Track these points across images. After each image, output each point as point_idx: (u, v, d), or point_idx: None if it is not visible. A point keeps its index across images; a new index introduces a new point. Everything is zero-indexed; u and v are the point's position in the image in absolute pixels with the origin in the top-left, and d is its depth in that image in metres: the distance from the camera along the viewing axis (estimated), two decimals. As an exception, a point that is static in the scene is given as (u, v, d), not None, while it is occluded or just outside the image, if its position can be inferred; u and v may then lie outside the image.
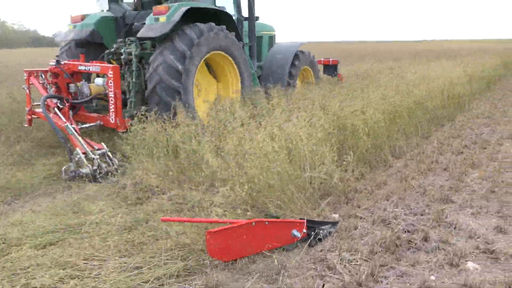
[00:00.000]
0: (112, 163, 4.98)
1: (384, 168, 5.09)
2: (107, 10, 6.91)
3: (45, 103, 5.42)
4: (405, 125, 6.06)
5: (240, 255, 2.96)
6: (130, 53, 5.87)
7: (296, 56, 8.01)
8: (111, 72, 5.48)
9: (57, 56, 6.58)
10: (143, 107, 5.47)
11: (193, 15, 5.81)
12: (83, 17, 6.63)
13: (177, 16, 5.50)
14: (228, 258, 2.94)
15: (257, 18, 7.36)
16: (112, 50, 6.23)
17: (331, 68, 10.26)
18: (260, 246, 3.01)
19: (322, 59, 10.33)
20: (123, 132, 5.36)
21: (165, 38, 5.62)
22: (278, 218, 3.35)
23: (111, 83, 5.49)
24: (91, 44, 6.61)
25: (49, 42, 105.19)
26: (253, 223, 2.96)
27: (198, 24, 5.83)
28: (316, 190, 3.92)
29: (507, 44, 44.53)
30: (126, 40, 6.11)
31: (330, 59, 10.34)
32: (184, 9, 5.59)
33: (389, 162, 5.22)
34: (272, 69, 7.63)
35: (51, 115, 5.33)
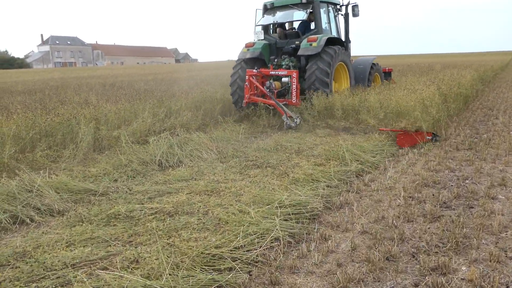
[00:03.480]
0: (299, 121, 8.44)
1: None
2: (262, 39, 10.31)
3: (268, 91, 9.10)
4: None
5: (407, 146, 6.70)
6: (288, 65, 9.73)
7: (372, 66, 11.45)
8: (294, 74, 9.14)
9: (233, 68, 10.28)
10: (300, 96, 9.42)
11: (328, 41, 9.45)
12: (253, 44, 10.18)
13: (322, 42, 9.15)
14: (403, 146, 6.71)
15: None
16: (275, 62, 9.90)
17: (387, 75, 13.55)
18: (415, 141, 6.79)
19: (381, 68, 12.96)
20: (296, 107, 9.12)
21: (316, 55, 9.14)
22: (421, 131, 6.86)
23: (294, 80, 9.13)
24: (257, 59, 10.11)
25: (19, 64, 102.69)
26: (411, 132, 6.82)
27: (332, 46, 9.45)
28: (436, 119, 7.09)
29: (478, 57, 44.69)
30: (282, 57, 9.97)
31: (387, 68, 13.74)
32: (325, 38, 9.30)
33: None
34: (356, 75, 10.86)
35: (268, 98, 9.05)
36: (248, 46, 10.12)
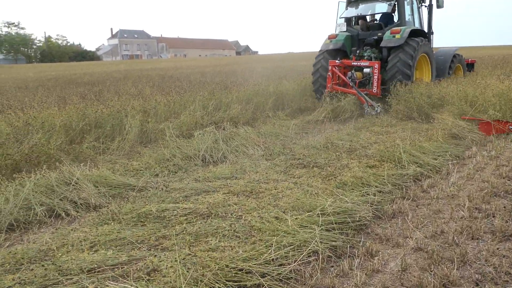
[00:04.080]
0: (380, 110, 8.75)
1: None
2: (344, 31, 10.57)
3: (350, 81, 9.44)
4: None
5: (490, 134, 6.72)
6: (370, 56, 9.92)
7: (454, 57, 11.35)
8: (376, 65, 9.31)
9: (316, 58, 10.54)
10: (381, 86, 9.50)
11: (411, 33, 9.41)
12: (336, 36, 10.39)
13: (406, 34, 9.21)
14: (487, 134, 6.73)
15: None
16: (357, 54, 10.15)
17: (469, 66, 13.01)
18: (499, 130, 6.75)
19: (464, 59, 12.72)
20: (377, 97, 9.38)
21: (398, 46, 9.21)
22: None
23: (375, 71, 9.29)
24: (339, 51, 10.32)
25: (90, 56, 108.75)
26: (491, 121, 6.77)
27: (415, 38, 9.45)
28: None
29: None
30: (364, 48, 10.18)
31: (469, 59, 13.28)
32: (408, 30, 9.32)
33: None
34: (436, 66, 10.82)
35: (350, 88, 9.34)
36: (331, 37, 10.43)
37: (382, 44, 9.49)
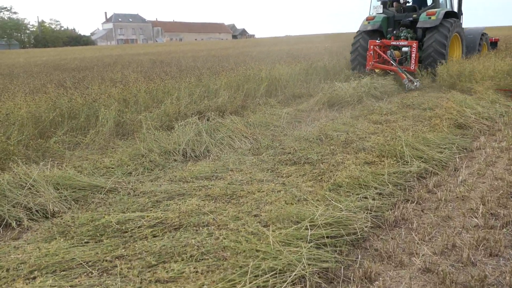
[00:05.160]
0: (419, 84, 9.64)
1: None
2: (381, 13, 11.33)
3: (391, 59, 10.33)
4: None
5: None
6: (406, 37, 10.80)
7: (482, 36, 12.32)
8: (414, 45, 10.18)
9: (354, 38, 11.42)
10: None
11: (444, 15, 10.23)
12: (373, 18, 11.23)
13: (441, 16, 10.06)
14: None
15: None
16: (393, 34, 11.02)
17: (493, 44, 14.08)
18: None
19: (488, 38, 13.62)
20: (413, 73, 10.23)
21: (434, 27, 10.08)
22: None
23: (413, 49, 10.17)
24: (376, 31, 11.17)
25: (85, 41, 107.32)
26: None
27: (449, 19, 10.27)
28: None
29: None
30: (400, 29, 11.06)
31: (493, 38, 14.20)
32: (443, 12, 10.22)
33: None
34: (467, 44, 11.72)
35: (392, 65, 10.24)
36: (369, 19, 11.36)
37: (419, 25, 10.36)
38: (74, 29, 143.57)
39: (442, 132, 5.45)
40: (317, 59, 13.09)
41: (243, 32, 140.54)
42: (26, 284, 2.36)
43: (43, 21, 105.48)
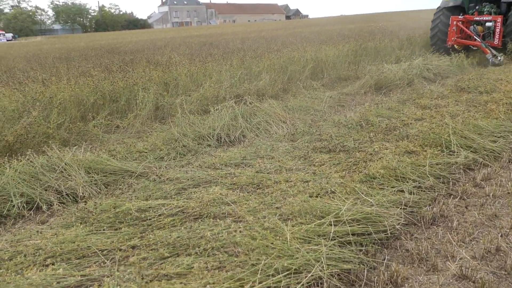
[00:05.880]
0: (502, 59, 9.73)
1: None
2: None
3: (475, 34, 10.28)
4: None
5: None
6: (489, 12, 10.61)
7: None
8: (499, 19, 10.09)
9: (435, 14, 11.44)
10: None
11: None
12: None
13: None
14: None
15: None
16: (476, 9, 10.82)
17: None
18: None
19: None
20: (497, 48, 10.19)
21: None
22: None
23: (498, 24, 10.09)
24: (457, 7, 11.05)
25: (142, 24, 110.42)
26: None
27: None
28: None
29: None
30: (483, 4, 10.86)
31: None
32: None
33: None
34: None
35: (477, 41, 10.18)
36: None
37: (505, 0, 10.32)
38: (132, 12, 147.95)
39: (498, 119, 4.95)
40: (368, 39, 12.50)
41: (297, 13, 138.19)
42: (39, 271, 2.36)
43: (103, 6, 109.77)
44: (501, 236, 2.70)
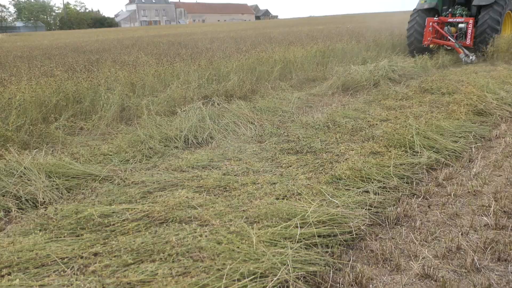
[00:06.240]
0: (474, 58, 10.39)
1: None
2: None
3: (449, 35, 10.98)
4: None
5: None
6: (461, 14, 11.49)
7: None
8: (471, 21, 10.94)
9: (411, 16, 12.09)
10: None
11: None
12: None
13: None
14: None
15: None
16: (449, 12, 11.65)
17: None
18: None
19: None
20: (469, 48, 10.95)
21: (489, 5, 10.65)
22: None
23: (470, 26, 10.94)
24: (431, 9, 11.74)
25: (109, 23, 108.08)
26: None
27: None
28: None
29: None
30: (455, 7, 11.77)
31: None
32: None
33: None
34: None
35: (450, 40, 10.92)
36: None
37: (474, 2, 11.05)
38: (98, 11, 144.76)
39: (459, 120, 5.11)
40: (335, 41, 12.67)
41: (267, 13, 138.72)
42: (-6, 283, 2.25)
43: (68, 3, 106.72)
44: (462, 234, 2.78)
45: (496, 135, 4.86)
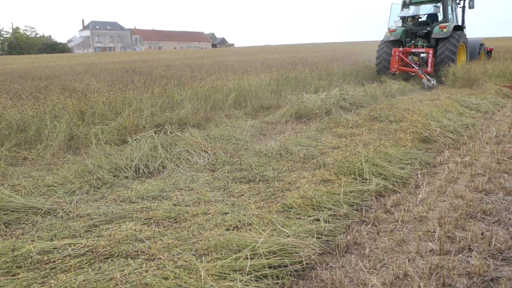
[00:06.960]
0: (435, 83, 11.88)
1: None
2: (400, 26, 13.78)
3: (414, 64, 12.61)
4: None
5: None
6: (422, 45, 13.27)
7: (480, 45, 15.06)
8: (431, 52, 12.63)
9: (379, 46, 13.86)
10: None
11: (453, 28, 12.73)
12: (395, 30, 13.68)
13: (451, 29, 12.54)
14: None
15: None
16: (411, 43, 13.46)
17: (488, 52, 16.41)
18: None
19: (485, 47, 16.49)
20: (430, 74, 12.54)
21: (445, 38, 12.57)
22: None
23: (430, 55, 12.60)
24: (396, 41, 13.59)
25: (61, 48, 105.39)
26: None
27: (457, 31, 12.84)
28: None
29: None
30: (417, 39, 13.56)
31: (488, 47, 16.51)
32: (453, 25, 12.70)
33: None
34: (469, 51, 14.24)
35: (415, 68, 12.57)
36: (391, 31, 13.81)
37: (433, 36, 12.81)
38: (50, 36, 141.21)
39: (406, 147, 5.30)
40: (289, 69, 12.97)
41: (223, 41, 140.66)
42: None
43: (17, 28, 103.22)
44: (408, 261, 2.83)
45: (440, 162, 5.08)
